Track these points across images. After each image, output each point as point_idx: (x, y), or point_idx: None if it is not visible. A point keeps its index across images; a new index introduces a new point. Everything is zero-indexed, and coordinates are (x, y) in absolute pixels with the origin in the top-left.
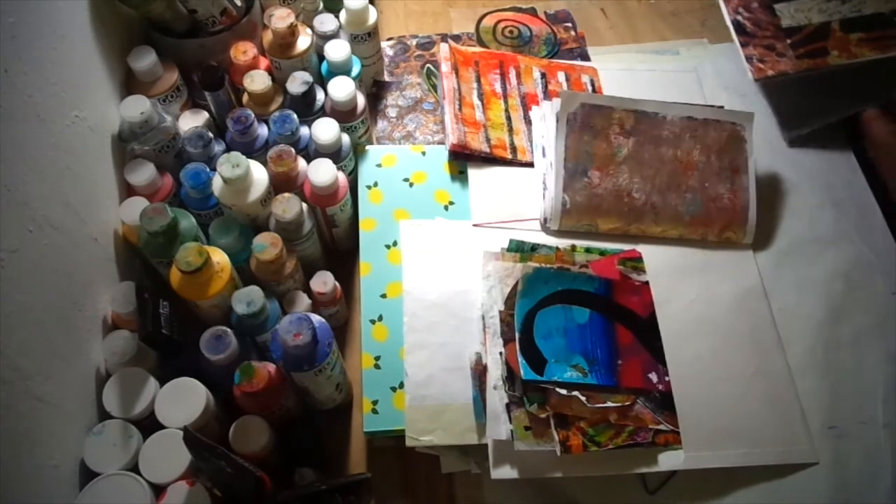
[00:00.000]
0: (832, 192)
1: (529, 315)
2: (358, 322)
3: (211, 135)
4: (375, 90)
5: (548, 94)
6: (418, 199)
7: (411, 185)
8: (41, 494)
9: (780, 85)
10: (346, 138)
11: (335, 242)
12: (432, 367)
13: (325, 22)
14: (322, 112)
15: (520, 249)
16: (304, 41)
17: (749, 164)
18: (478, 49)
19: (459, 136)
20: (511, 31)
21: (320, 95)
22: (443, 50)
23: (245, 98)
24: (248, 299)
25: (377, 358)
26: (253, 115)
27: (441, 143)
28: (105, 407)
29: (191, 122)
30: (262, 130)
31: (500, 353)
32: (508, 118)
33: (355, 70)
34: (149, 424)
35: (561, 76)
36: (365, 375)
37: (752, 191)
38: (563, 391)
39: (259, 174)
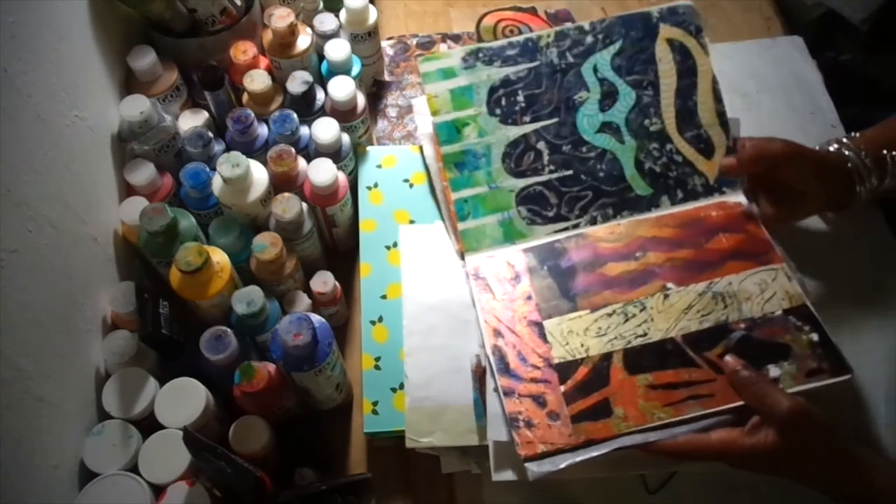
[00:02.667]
0: None
1: None
2: (358, 322)
3: (211, 134)
4: (375, 90)
5: None
6: (418, 200)
7: (411, 185)
8: (41, 494)
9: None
10: (346, 138)
11: (335, 242)
12: (432, 370)
13: (325, 21)
14: (322, 112)
15: None
16: (304, 41)
17: None
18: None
19: None
20: (511, 31)
21: (320, 95)
22: (443, 50)
23: (245, 98)
24: (248, 299)
25: (377, 359)
26: (253, 115)
27: None
28: (105, 407)
29: (191, 121)
30: (262, 130)
31: None
32: None
33: (355, 70)
34: (149, 424)
35: None
36: (365, 376)
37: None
38: None
39: (259, 174)
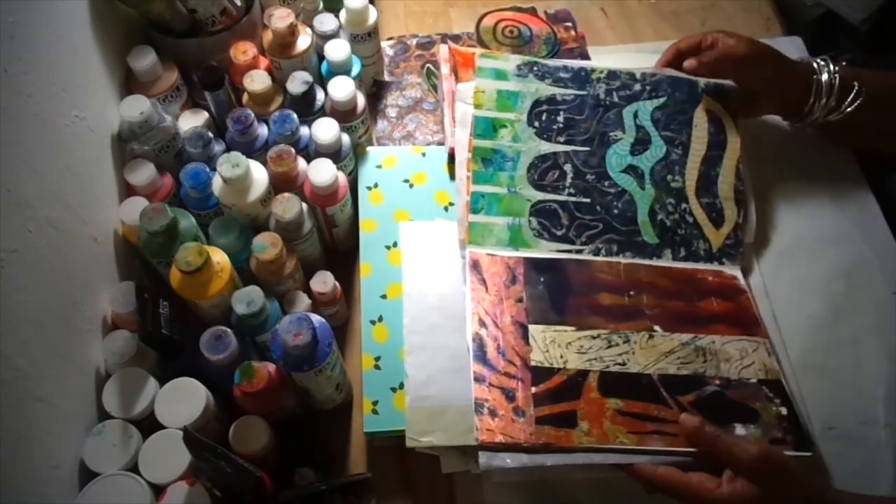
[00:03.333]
0: (832, 191)
1: None
2: (358, 322)
3: (211, 135)
4: (375, 90)
5: None
6: (418, 201)
7: (411, 186)
8: (41, 494)
9: None
10: (346, 138)
11: (335, 242)
12: (432, 369)
13: (325, 22)
14: (322, 112)
15: None
16: (304, 41)
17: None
18: (478, 49)
19: None
20: (511, 31)
21: (320, 95)
22: (442, 51)
23: (245, 98)
24: (248, 299)
25: (377, 359)
26: (253, 115)
27: (441, 143)
28: (105, 407)
29: (191, 121)
30: (262, 130)
31: None
32: None
33: (355, 70)
34: (149, 424)
35: None
36: (365, 376)
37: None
38: None
39: (259, 174)
